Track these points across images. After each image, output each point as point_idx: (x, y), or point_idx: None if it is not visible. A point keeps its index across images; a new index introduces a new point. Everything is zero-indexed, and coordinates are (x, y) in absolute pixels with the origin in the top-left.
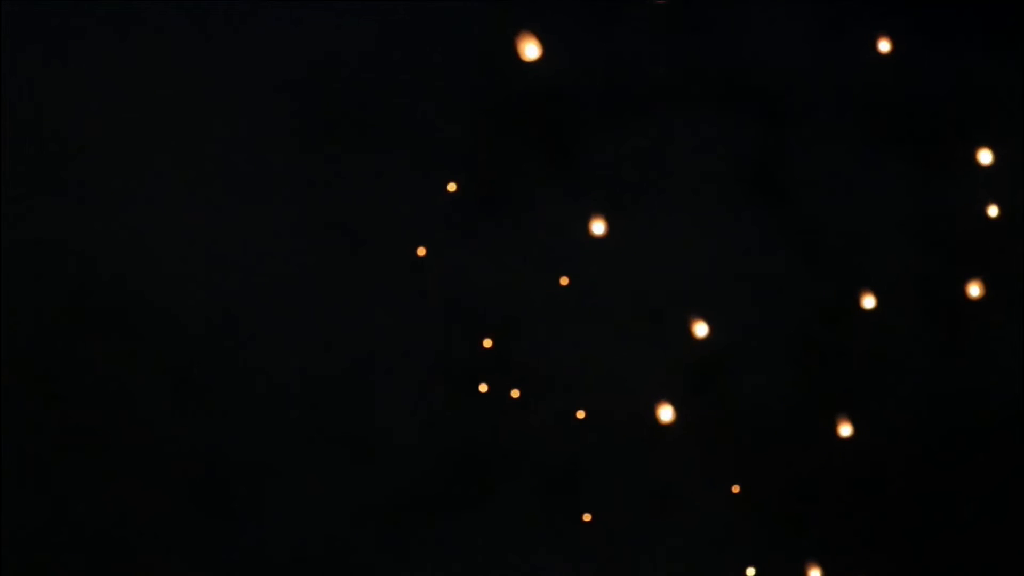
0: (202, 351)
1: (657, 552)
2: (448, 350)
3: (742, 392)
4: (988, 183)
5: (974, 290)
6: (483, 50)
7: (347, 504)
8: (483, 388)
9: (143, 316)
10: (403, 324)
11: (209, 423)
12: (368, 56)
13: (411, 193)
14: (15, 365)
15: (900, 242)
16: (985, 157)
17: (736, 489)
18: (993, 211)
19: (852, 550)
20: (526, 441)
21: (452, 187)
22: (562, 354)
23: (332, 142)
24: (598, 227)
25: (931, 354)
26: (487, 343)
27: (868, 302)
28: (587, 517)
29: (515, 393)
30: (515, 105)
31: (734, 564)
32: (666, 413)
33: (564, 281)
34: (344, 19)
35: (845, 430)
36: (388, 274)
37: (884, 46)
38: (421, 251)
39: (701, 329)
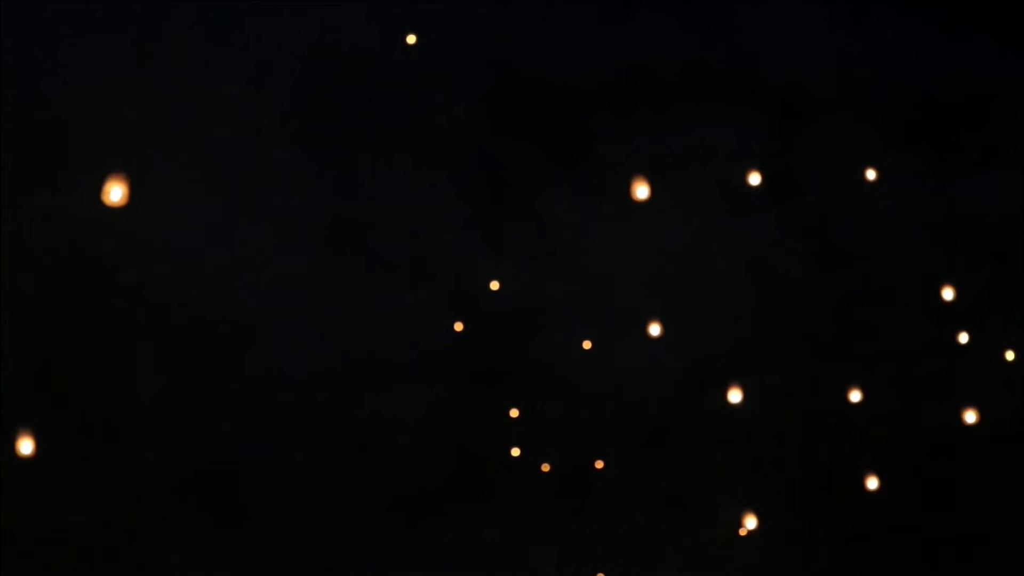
0: (206, 352)
1: (663, 553)
2: (454, 350)
3: (752, 390)
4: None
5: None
6: (492, 49)
7: (353, 503)
8: (515, 452)
9: (146, 318)
10: (407, 324)
11: (213, 423)
12: (375, 56)
13: (417, 193)
14: (21, 366)
15: (910, 240)
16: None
17: (743, 532)
18: (963, 338)
19: (860, 550)
20: (532, 441)
21: (459, 326)
22: (570, 353)
23: (338, 143)
24: (654, 329)
25: (938, 353)
26: (513, 413)
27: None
28: None
29: (514, 412)
30: (525, 104)
31: (740, 566)
32: (751, 522)
33: (587, 344)
34: (348, 21)
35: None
36: (392, 274)
37: (871, 175)
38: (459, 326)
39: (738, 398)
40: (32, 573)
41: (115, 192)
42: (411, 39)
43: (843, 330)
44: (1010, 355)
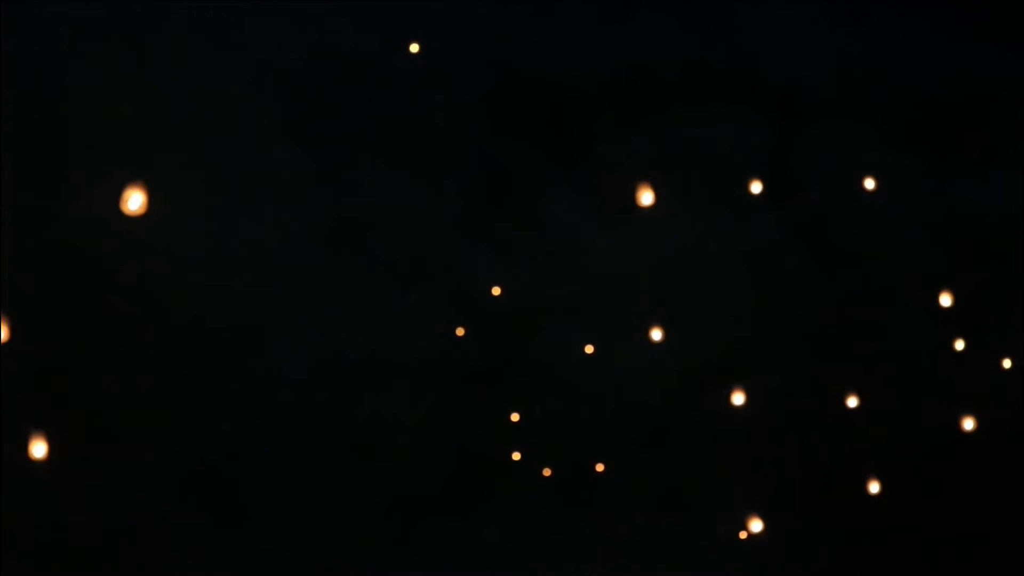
0: (206, 352)
1: (663, 553)
2: (454, 350)
3: (752, 390)
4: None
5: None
6: (492, 49)
7: (353, 503)
8: (516, 456)
9: (146, 318)
10: (407, 324)
11: (213, 423)
12: (375, 57)
13: (417, 193)
14: (21, 366)
15: (910, 240)
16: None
17: (744, 535)
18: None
19: (860, 550)
20: (532, 441)
21: (460, 331)
22: (570, 353)
23: (338, 143)
24: (654, 330)
25: (938, 353)
26: (514, 417)
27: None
28: None
29: (515, 417)
30: (525, 104)
31: (740, 566)
32: (756, 526)
33: (589, 349)
34: (348, 21)
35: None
36: (392, 274)
37: (869, 184)
38: (460, 331)
39: (738, 398)
40: (32, 573)
41: (134, 200)
42: (414, 48)
43: (843, 330)
44: (1009, 358)
